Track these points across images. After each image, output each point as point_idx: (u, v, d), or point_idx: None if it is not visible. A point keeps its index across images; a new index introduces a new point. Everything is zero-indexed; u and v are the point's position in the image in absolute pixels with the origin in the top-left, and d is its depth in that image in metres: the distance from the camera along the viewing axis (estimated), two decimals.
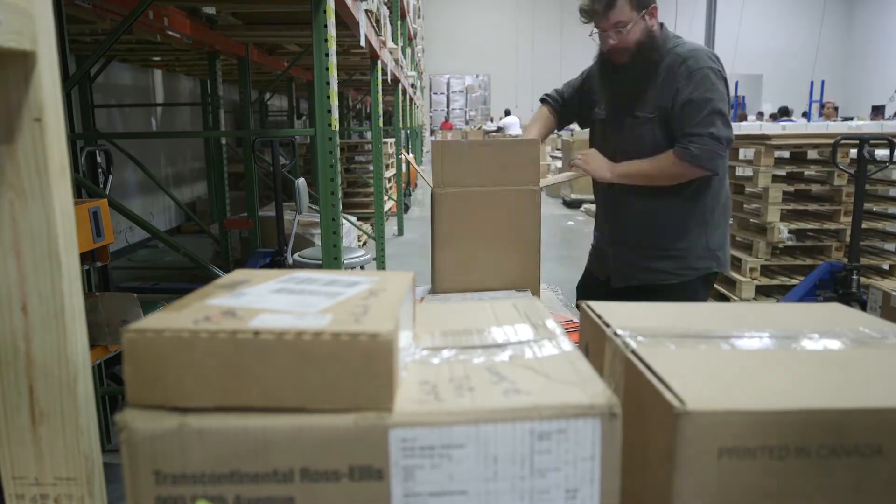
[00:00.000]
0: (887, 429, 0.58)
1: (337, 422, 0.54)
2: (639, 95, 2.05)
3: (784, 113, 12.35)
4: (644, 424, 0.64)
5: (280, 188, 3.57)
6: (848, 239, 3.83)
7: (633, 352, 0.69)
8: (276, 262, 3.60)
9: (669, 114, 1.99)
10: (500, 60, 21.58)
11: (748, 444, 0.57)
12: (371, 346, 0.54)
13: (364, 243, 6.14)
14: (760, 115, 14.08)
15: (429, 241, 1.85)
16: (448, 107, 22.32)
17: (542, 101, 2.38)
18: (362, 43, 2.96)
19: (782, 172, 4.13)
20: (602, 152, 2.12)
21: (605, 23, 1.98)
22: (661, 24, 2.06)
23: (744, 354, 0.70)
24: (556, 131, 2.37)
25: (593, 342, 0.80)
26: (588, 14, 2.00)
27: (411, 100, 8.29)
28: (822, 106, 13.49)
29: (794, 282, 4.03)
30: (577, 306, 0.88)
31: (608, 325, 0.77)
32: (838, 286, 3.64)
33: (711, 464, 0.57)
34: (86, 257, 2.00)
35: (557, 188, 10.59)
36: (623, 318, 0.79)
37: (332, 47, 2.27)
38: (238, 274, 0.74)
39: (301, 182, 3.59)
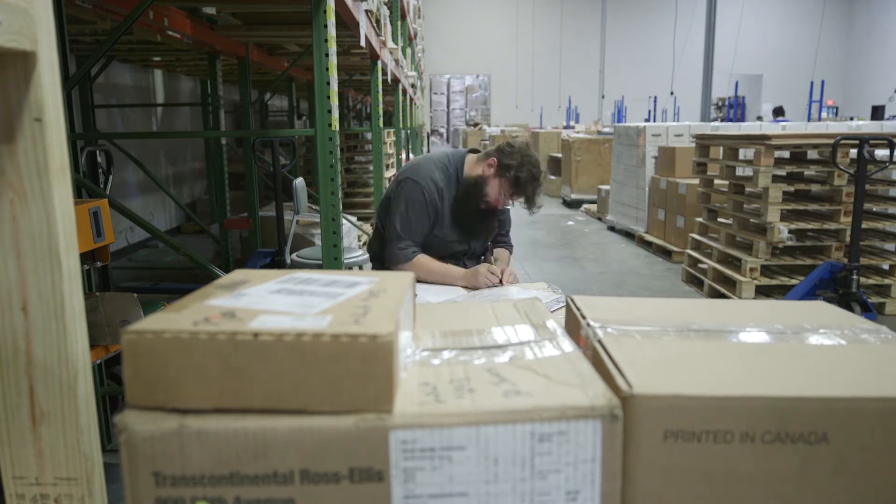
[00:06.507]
0: (833, 416, 0.59)
1: (337, 423, 0.54)
2: None
3: (779, 112, 12.45)
4: None
5: (280, 188, 3.56)
6: (848, 239, 3.83)
7: (599, 341, 0.71)
8: (277, 262, 3.59)
9: None
10: (500, 60, 21.54)
11: (693, 428, 0.59)
12: (371, 347, 0.54)
13: (364, 244, 6.13)
14: (759, 118, 14.08)
15: None
16: (448, 107, 22.32)
17: None
18: (362, 43, 2.96)
19: (782, 172, 4.13)
20: None
21: None
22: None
23: (705, 345, 0.72)
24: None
25: (572, 334, 0.82)
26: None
27: (411, 100, 8.28)
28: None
29: (794, 282, 4.03)
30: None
31: (584, 317, 0.79)
32: (838, 286, 3.64)
33: (657, 445, 0.59)
34: (86, 257, 2.00)
35: (557, 187, 10.59)
36: (600, 311, 0.82)
37: (333, 47, 2.27)
38: (238, 274, 0.74)
39: (299, 182, 3.58)
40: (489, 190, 2.21)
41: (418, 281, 2.21)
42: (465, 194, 2.26)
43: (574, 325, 0.82)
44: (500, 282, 2.17)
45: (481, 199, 2.23)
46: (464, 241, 2.35)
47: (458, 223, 2.30)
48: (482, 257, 2.50)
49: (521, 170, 2.15)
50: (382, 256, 2.37)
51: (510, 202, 2.24)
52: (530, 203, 2.21)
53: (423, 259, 2.23)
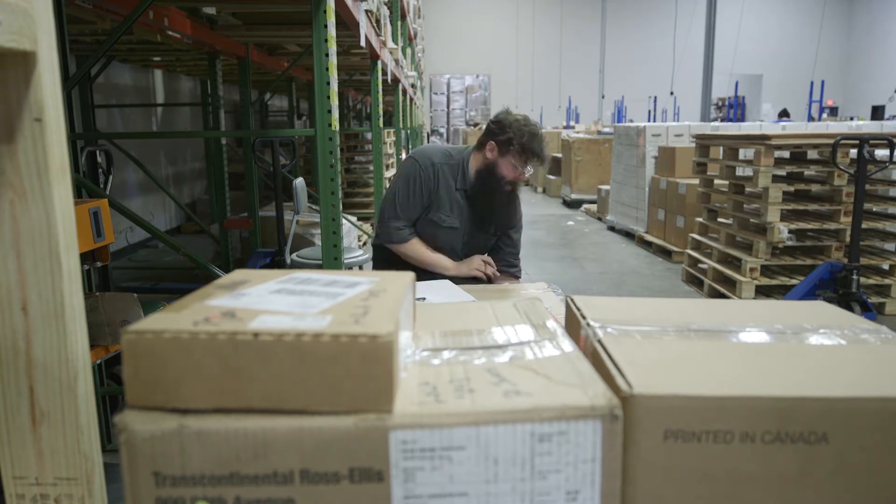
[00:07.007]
0: (833, 417, 0.59)
1: (337, 423, 0.54)
2: None
3: (784, 115, 12.49)
4: None
5: (280, 188, 3.56)
6: (848, 239, 3.83)
7: (599, 341, 0.71)
8: (277, 262, 3.59)
9: None
10: (500, 60, 21.54)
11: (693, 428, 0.59)
12: (371, 347, 0.54)
13: (364, 243, 6.14)
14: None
15: None
16: (448, 107, 22.32)
17: None
18: (362, 43, 2.96)
19: (782, 172, 4.13)
20: None
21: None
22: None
23: (705, 345, 0.72)
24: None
25: (572, 334, 0.82)
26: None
27: (411, 100, 8.28)
28: None
29: (794, 282, 4.03)
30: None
31: (584, 317, 0.79)
32: (838, 286, 3.64)
33: (657, 445, 0.59)
34: (86, 257, 2.00)
35: (557, 187, 10.59)
36: (600, 311, 0.82)
37: (333, 47, 2.27)
38: (238, 274, 0.74)
39: (299, 182, 3.58)
40: (503, 171, 2.20)
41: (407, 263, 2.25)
42: (482, 186, 2.25)
43: (574, 325, 0.82)
44: (490, 279, 2.17)
45: (501, 183, 2.22)
46: (462, 229, 2.33)
47: (466, 213, 2.29)
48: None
49: (521, 136, 2.15)
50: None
51: (528, 169, 2.22)
52: (542, 160, 2.19)
53: (417, 244, 2.25)
